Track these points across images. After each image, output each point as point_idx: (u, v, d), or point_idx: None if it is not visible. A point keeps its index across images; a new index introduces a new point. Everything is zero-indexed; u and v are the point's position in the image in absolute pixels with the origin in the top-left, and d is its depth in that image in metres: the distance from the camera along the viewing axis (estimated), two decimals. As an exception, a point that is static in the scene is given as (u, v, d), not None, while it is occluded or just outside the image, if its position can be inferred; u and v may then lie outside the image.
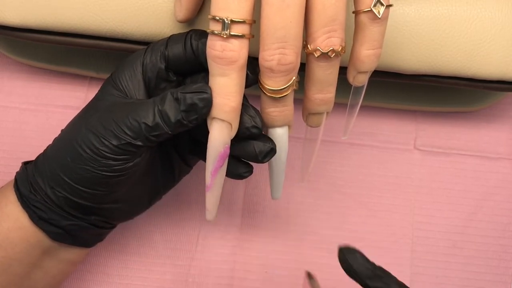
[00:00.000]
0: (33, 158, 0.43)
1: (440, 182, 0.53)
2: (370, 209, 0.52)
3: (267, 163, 0.41)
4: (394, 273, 0.51)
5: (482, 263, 0.51)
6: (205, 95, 0.37)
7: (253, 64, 0.38)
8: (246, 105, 0.39)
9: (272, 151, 0.40)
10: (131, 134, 0.38)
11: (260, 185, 0.52)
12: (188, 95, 0.37)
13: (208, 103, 0.37)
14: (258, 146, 0.39)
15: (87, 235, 0.42)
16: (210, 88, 0.37)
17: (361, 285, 0.38)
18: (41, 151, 0.42)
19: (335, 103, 0.41)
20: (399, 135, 0.53)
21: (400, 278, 0.51)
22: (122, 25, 0.44)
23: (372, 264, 0.38)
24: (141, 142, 0.38)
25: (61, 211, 0.40)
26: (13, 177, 0.43)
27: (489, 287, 0.51)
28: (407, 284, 0.51)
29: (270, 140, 0.40)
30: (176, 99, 0.38)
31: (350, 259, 0.37)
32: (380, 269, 0.38)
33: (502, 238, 0.52)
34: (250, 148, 0.40)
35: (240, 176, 0.42)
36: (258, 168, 0.43)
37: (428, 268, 0.51)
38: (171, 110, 0.38)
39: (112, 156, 0.38)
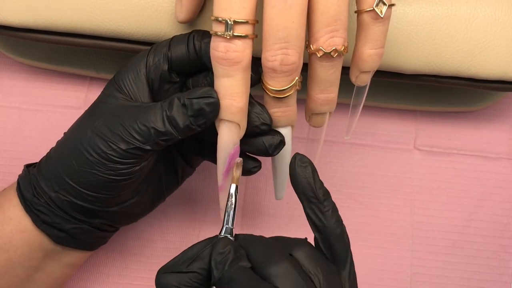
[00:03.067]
0: (34, 159, 0.43)
1: (440, 182, 0.53)
2: (370, 209, 0.52)
3: (270, 164, 0.41)
4: (394, 273, 0.51)
5: (482, 263, 0.51)
6: (211, 100, 0.37)
7: (256, 64, 0.38)
8: (252, 103, 0.39)
9: (281, 143, 0.40)
10: (140, 139, 0.38)
11: (260, 185, 0.52)
12: (195, 101, 0.37)
13: (215, 107, 0.37)
14: (267, 140, 0.40)
15: (90, 238, 0.42)
16: (216, 92, 0.37)
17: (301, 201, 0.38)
18: (41, 151, 0.42)
19: (336, 103, 0.41)
20: (399, 135, 0.53)
21: (400, 278, 0.51)
22: (122, 25, 0.44)
23: (320, 183, 0.37)
24: (150, 146, 0.38)
25: (65, 214, 0.40)
26: (13, 177, 0.43)
27: (489, 287, 0.51)
28: (407, 284, 0.51)
29: (278, 133, 0.40)
30: (184, 105, 0.38)
31: (301, 173, 0.37)
32: (325, 192, 0.37)
33: (502, 238, 0.52)
34: (259, 143, 0.40)
35: (249, 172, 0.42)
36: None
37: (428, 268, 0.51)
38: (179, 116, 0.38)
39: (120, 160, 0.38)
